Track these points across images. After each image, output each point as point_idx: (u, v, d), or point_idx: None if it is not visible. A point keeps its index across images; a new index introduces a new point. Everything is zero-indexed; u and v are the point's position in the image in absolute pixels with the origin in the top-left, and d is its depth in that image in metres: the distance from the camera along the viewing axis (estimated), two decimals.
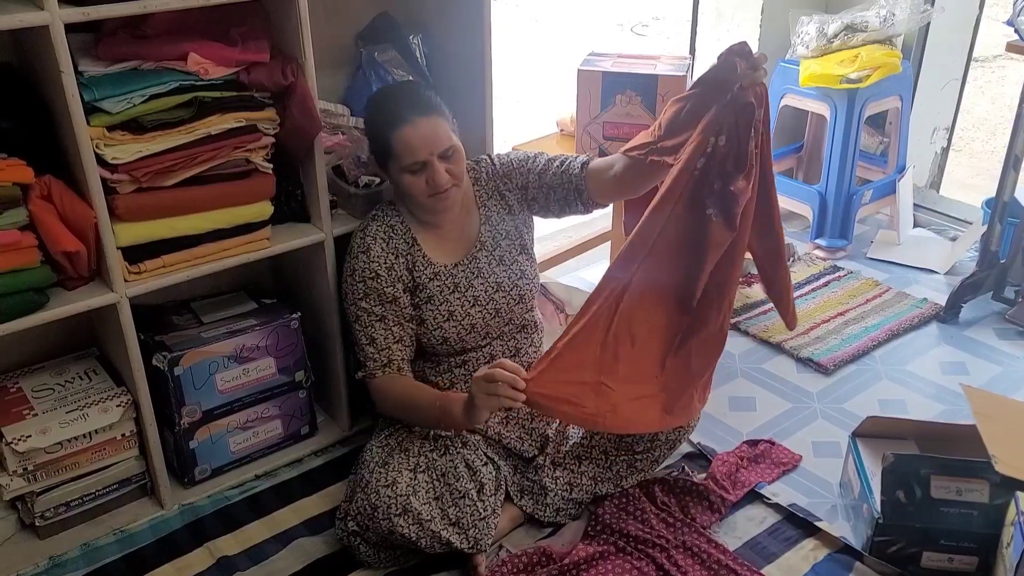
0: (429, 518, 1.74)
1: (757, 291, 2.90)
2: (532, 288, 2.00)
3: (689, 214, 1.69)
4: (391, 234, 1.88)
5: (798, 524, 1.95)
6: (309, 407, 2.18)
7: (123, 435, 1.93)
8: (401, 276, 1.87)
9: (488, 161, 2.01)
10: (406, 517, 1.73)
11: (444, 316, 1.88)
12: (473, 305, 1.91)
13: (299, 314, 2.09)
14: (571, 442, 1.96)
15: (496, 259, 1.95)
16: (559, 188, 1.93)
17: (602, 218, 2.88)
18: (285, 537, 1.94)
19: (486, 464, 1.89)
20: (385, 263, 1.86)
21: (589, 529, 1.92)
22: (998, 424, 1.77)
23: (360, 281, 1.86)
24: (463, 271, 1.92)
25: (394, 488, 1.74)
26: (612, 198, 2.00)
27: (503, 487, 1.91)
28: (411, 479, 1.78)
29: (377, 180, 2.08)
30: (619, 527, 1.91)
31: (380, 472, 1.79)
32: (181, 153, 1.76)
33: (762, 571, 1.83)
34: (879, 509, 1.81)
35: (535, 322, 2.07)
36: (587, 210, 1.97)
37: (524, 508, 1.93)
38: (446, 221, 1.91)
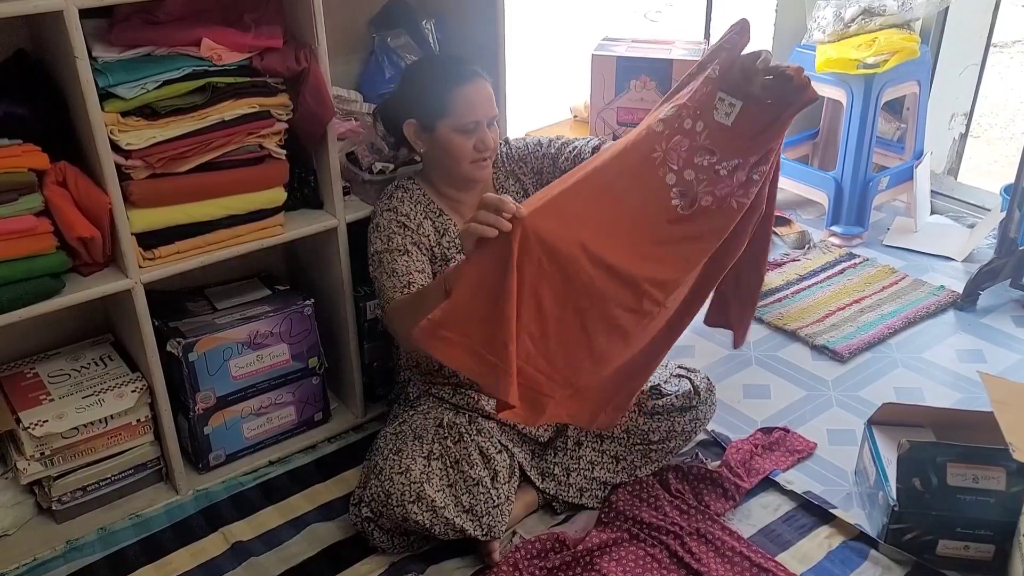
0: (443, 505, 1.74)
1: (772, 278, 2.88)
2: None
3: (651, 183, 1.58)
4: (419, 200, 1.89)
5: (813, 512, 1.94)
6: (323, 394, 2.19)
7: (138, 420, 1.94)
8: (427, 235, 1.87)
9: (501, 144, 2.01)
10: (420, 504, 1.73)
11: None
12: None
13: (312, 301, 2.09)
14: None
15: None
16: (574, 162, 1.93)
17: None
18: (299, 523, 1.94)
19: (500, 452, 1.89)
20: (414, 220, 1.86)
21: (603, 516, 1.92)
22: (1016, 412, 1.75)
23: (386, 229, 1.84)
24: None
25: (407, 475, 1.75)
26: None
27: (517, 474, 1.91)
28: (424, 466, 1.78)
29: (391, 166, 2.07)
30: (633, 514, 1.90)
31: (394, 459, 1.79)
32: (195, 139, 1.76)
33: (776, 558, 1.82)
34: (895, 497, 1.80)
35: None
36: None
37: (547, 491, 1.93)
38: (469, 199, 1.91)
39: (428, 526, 1.73)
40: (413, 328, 1.56)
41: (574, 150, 1.93)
